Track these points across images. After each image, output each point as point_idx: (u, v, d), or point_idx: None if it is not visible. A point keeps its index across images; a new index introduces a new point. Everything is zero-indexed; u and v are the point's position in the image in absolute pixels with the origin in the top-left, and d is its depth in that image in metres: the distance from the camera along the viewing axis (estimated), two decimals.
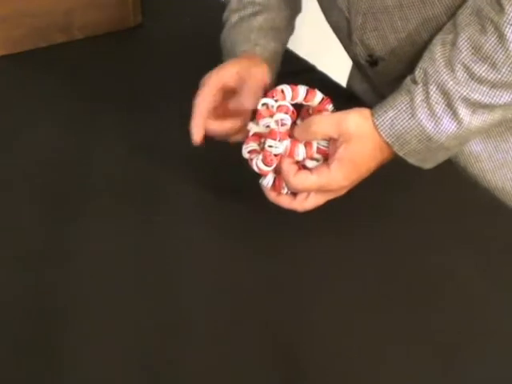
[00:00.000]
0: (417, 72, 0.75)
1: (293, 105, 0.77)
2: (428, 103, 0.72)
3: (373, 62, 0.88)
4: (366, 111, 0.75)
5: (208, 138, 0.81)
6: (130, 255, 0.76)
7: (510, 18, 0.69)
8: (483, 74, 0.71)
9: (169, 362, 0.66)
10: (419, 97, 0.73)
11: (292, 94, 0.76)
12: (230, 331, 0.69)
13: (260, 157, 0.75)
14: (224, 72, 0.82)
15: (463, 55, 0.71)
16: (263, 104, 0.76)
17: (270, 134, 0.75)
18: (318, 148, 0.75)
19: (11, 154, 0.91)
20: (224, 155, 0.83)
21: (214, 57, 1.11)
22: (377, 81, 0.94)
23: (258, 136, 0.77)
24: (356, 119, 0.74)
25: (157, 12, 1.23)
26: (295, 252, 0.78)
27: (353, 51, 0.90)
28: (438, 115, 0.72)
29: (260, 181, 0.77)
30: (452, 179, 0.88)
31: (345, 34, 0.89)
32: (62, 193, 0.84)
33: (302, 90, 0.76)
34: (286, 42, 0.95)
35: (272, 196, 0.77)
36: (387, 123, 0.74)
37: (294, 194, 0.77)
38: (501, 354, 0.68)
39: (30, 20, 1.09)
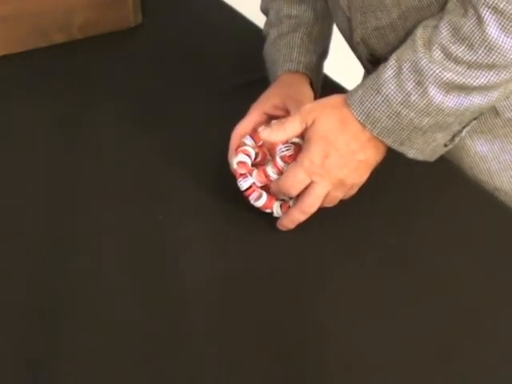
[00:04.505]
0: (394, 52, 0.76)
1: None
2: (399, 79, 0.73)
3: (375, 61, 0.88)
4: (339, 97, 0.78)
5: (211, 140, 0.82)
6: (131, 255, 0.77)
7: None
8: (460, 55, 0.71)
9: (168, 361, 0.66)
10: (387, 73, 0.74)
11: (253, 141, 0.82)
12: (230, 331, 0.69)
13: (250, 198, 0.79)
14: (264, 104, 0.86)
15: (442, 36, 0.72)
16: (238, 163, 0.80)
17: (236, 175, 0.80)
18: (282, 157, 0.79)
19: (11, 153, 0.91)
20: (224, 156, 0.83)
21: (214, 57, 1.12)
22: None
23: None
24: (309, 105, 0.78)
25: (157, 12, 1.23)
26: (297, 252, 0.78)
27: (356, 51, 0.91)
28: (407, 91, 0.73)
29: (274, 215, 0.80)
30: (452, 180, 0.88)
31: (347, 33, 0.90)
32: (62, 193, 0.84)
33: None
34: (327, 49, 0.97)
35: (284, 219, 0.79)
36: (357, 101, 0.75)
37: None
38: (500, 354, 0.68)
39: (30, 20, 1.09)
